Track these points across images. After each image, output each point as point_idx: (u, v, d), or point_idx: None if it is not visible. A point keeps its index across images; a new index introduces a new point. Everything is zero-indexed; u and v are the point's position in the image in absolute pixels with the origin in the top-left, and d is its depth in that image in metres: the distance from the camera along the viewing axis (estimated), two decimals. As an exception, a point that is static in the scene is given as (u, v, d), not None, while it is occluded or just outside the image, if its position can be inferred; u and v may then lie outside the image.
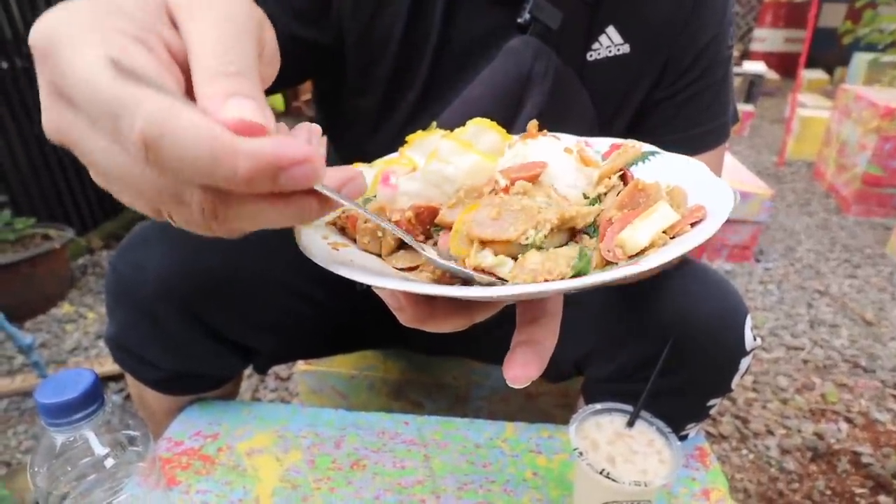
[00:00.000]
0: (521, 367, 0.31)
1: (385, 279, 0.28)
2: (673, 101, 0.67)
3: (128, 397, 1.53)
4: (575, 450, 0.56)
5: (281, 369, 1.69)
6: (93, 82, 0.20)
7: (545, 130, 0.40)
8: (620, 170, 0.36)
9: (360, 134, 0.71)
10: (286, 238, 0.76)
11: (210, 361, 0.74)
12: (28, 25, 2.22)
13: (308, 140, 0.25)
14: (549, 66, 0.59)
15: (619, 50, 0.63)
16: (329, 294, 0.82)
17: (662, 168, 0.38)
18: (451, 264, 0.30)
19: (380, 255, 0.35)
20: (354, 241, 0.36)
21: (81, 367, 1.56)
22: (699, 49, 0.65)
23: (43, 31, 0.22)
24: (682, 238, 0.30)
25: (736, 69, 5.63)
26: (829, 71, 7.84)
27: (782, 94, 6.84)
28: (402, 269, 0.34)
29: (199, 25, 0.22)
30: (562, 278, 0.28)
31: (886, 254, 2.55)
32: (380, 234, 0.34)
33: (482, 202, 0.32)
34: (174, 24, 0.23)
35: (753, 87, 5.46)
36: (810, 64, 8.19)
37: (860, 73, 6.36)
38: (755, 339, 0.68)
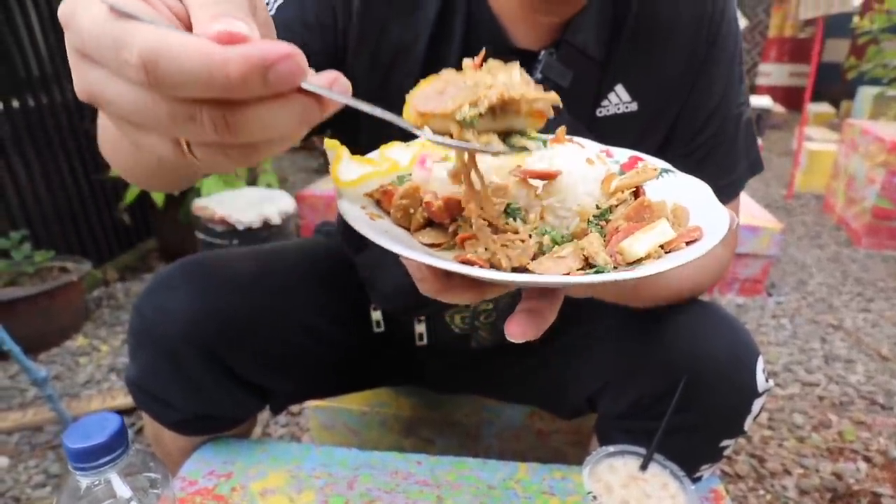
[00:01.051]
0: (521, 328, 0.34)
1: (413, 252, 0.31)
2: (687, 161, 0.68)
3: (139, 431, 1.53)
4: (589, 493, 0.56)
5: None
6: (96, 27, 0.23)
7: (572, 137, 0.42)
8: (635, 186, 0.38)
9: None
10: (304, 279, 0.78)
11: (229, 403, 0.75)
12: (53, 63, 2.30)
13: (330, 84, 0.26)
14: (560, 121, 0.62)
15: (627, 108, 0.65)
16: (345, 333, 0.83)
17: (673, 186, 0.41)
18: (443, 139, 0.31)
19: (409, 230, 0.38)
20: (389, 213, 0.39)
21: (93, 399, 1.55)
22: (710, 110, 0.67)
23: (67, 5, 0.25)
24: (675, 254, 0.33)
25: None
26: (835, 104, 7.90)
27: (789, 127, 6.88)
28: (427, 245, 0.37)
29: None
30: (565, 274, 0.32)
31: (900, 288, 2.53)
32: (411, 210, 0.37)
33: (435, 78, 0.34)
34: None
35: (760, 121, 5.51)
36: (816, 98, 8.27)
37: (866, 107, 6.41)
38: (767, 381, 0.68)
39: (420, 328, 0.82)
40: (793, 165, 3.85)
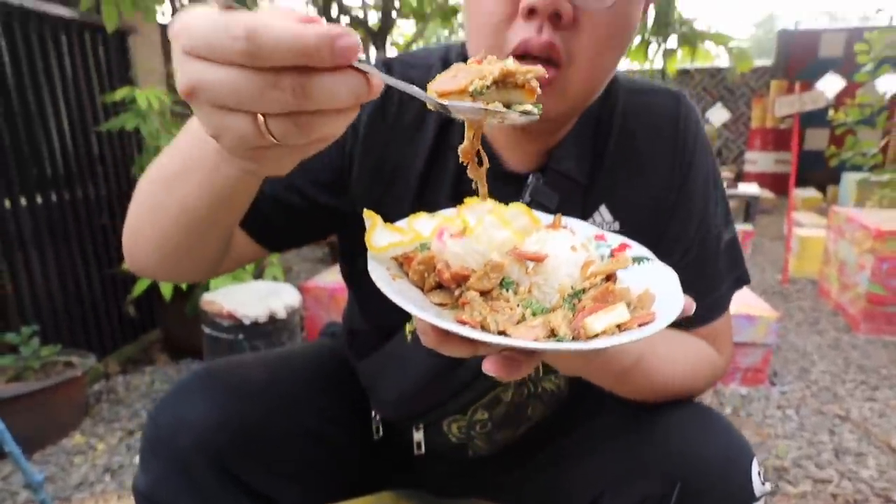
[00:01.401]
0: (497, 368, 0.41)
1: (420, 311, 0.39)
2: None
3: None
4: None
5: None
6: (208, 21, 0.31)
7: (567, 224, 0.51)
8: (608, 273, 0.45)
9: (379, 293, 0.78)
10: (311, 384, 0.81)
11: None
12: (79, 161, 2.44)
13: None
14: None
15: (610, 227, 0.71)
16: (349, 437, 0.84)
17: (646, 273, 0.49)
18: (461, 103, 0.40)
19: (423, 290, 0.45)
20: (408, 275, 0.46)
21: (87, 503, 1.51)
22: (690, 235, 0.72)
23: (177, 20, 0.33)
24: (627, 332, 0.40)
25: (731, 191, 5.90)
26: (822, 189, 8.18)
27: (779, 211, 7.09)
28: (436, 303, 0.44)
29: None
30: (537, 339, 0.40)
31: (903, 375, 2.52)
32: (426, 274, 0.45)
33: (448, 69, 0.43)
34: None
35: (750, 208, 5.68)
36: (803, 183, 8.59)
37: (851, 192, 6.63)
38: (764, 484, 0.68)
39: (418, 436, 0.83)
40: (785, 250, 3.94)
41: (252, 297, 2.07)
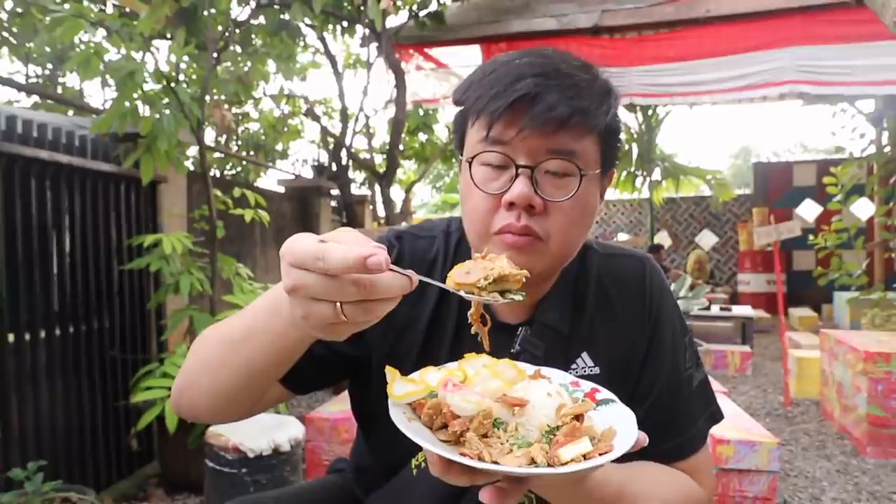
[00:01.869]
0: (490, 496, 0.52)
1: (428, 444, 0.51)
2: (649, 421, 0.78)
3: None
4: None
5: None
6: (310, 247, 0.46)
7: (547, 375, 0.65)
8: (577, 413, 0.58)
9: (389, 432, 0.86)
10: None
11: None
12: (99, 295, 2.59)
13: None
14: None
15: (591, 371, 0.81)
16: None
17: (611, 413, 0.62)
18: (471, 296, 0.58)
19: (431, 429, 0.57)
20: (419, 417, 0.58)
21: None
22: (662, 380, 0.82)
23: (288, 243, 0.48)
24: (590, 460, 0.52)
25: (727, 313, 6.03)
26: (817, 308, 8.30)
27: (777, 330, 7.14)
28: (442, 440, 0.55)
29: (346, 236, 0.50)
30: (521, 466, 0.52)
31: (916, 502, 2.46)
32: (434, 417, 0.57)
33: (463, 265, 0.60)
34: None
35: (746, 329, 5.76)
36: (796, 302, 8.74)
37: (844, 311, 6.75)
38: None
39: None
40: (784, 373, 3.97)
41: (257, 430, 2.10)
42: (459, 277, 0.58)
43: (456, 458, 0.50)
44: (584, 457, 0.52)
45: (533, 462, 0.52)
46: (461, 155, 0.78)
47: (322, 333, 0.52)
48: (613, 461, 0.53)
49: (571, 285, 0.85)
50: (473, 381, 0.59)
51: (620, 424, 0.58)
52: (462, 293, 0.58)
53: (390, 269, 0.48)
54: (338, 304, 0.48)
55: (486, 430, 0.55)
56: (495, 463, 0.52)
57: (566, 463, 0.52)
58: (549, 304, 0.82)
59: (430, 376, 0.61)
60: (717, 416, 0.87)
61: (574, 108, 0.68)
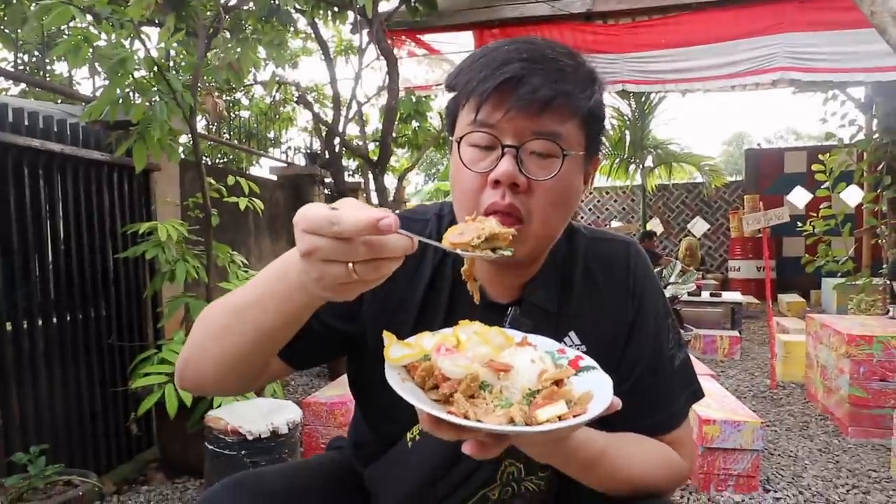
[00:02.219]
0: (472, 448, 0.57)
1: (420, 402, 0.56)
2: (633, 397, 0.82)
3: None
4: None
5: None
6: (321, 214, 0.51)
7: (533, 341, 0.70)
8: (556, 379, 0.62)
9: (384, 406, 0.90)
10: (322, 493, 0.91)
11: None
12: (95, 284, 2.62)
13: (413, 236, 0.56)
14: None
15: (578, 349, 0.85)
16: None
17: (590, 379, 0.66)
18: (465, 252, 0.65)
19: (424, 389, 0.61)
20: (413, 378, 0.63)
21: None
22: (646, 358, 0.86)
23: (301, 211, 0.53)
24: (564, 421, 0.57)
25: (716, 299, 6.11)
26: (805, 294, 8.42)
27: (766, 316, 7.25)
28: (433, 399, 0.60)
29: (353, 203, 0.56)
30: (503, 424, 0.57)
31: (892, 477, 2.54)
32: (427, 378, 0.62)
33: (456, 227, 0.67)
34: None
35: (735, 315, 5.85)
36: (785, 288, 8.85)
37: (832, 296, 6.85)
38: None
39: None
40: (771, 357, 4.05)
41: (255, 414, 2.15)
42: (454, 238, 0.64)
43: (444, 416, 0.55)
44: (560, 418, 0.57)
45: (512, 421, 0.57)
46: (451, 136, 0.82)
47: (333, 294, 0.56)
48: (597, 427, 0.58)
49: (560, 266, 0.88)
50: (465, 347, 0.64)
51: (598, 389, 0.63)
52: (458, 251, 0.64)
53: (397, 232, 0.53)
54: (350, 264, 0.52)
55: (472, 391, 0.60)
56: (479, 421, 0.56)
57: (542, 423, 0.56)
58: (537, 284, 0.86)
59: (425, 341, 0.66)
60: (698, 395, 0.91)
61: (557, 90, 0.72)
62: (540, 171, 0.75)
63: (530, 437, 0.61)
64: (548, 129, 0.74)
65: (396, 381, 0.60)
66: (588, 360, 0.70)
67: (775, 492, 2.43)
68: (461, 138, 0.78)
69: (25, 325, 2.30)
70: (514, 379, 0.62)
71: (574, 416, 0.57)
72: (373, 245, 0.52)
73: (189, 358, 0.76)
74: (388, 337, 0.65)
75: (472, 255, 0.64)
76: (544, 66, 0.73)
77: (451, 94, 0.82)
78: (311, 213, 0.52)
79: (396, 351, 0.63)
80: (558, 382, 0.62)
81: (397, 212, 0.98)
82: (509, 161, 0.73)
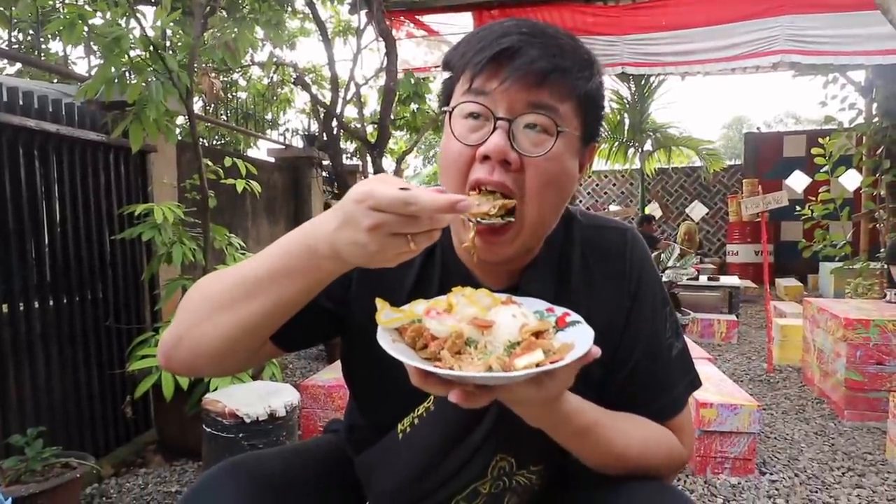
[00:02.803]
0: (458, 397, 0.58)
1: (410, 360, 0.58)
2: (630, 386, 0.84)
3: None
4: None
5: None
6: (394, 195, 0.55)
7: (517, 301, 0.71)
8: (536, 331, 0.65)
9: (374, 392, 0.89)
10: (317, 476, 0.90)
11: None
12: (92, 266, 2.60)
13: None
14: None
15: None
16: None
17: (575, 332, 0.68)
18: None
19: (414, 349, 0.64)
20: (404, 339, 0.65)
21: None
22: (642, 347, 0.85)
23: (364, 185, 0.57)
24: (541, 367, 0.58)
25: (714, 283, 6.13)
26: (803, 278, 8.45)
27: (763, 300, 7.27)
28: (423, 357, 0.62)
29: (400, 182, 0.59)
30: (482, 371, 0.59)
31: (888, 460, 2.57)
32: (416, 338, 0.64)
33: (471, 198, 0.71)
34: None
35: (733, 299, 5.87)
36: (783, 273, 8.88)
37: (829, 281, 6.89)
38: None
39: None
40: (767, 340, 4.07)
41: (253, 397, 2.15)
42: (473, 208, 0.68)
43: (430, 368, 0.57)
44: (538, 365, 0.59)
45: (489, 370, 0.59)
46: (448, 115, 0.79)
47: (385, 262, 0.60)
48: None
49: (556, 254, 0.86)
50: (455, 310, 0.67)
51: (579, 341, 0.64)
52: (478, 220, 0.71)
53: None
54: (409, 235, 0.57)
55: (458, 348, 0.63)
56: (456, 371, 0.59)
57: (520, 370, 0.58)
58: (533, 272, 0.84)
59: (416, 307, 0.68)
60: (695, 383, 0.90)
61: (555, 64, 0.70)
62: (533, 148, 0.72)
63: (513, 388, 0.61)
64: (544, 102, 0.72)
65: (388, 342, 0.62)
66: (575, 316, 0.71)
67: (771, 474, 2.45)
68: (453, 109, 0.75)
69: (22, 308, 2.29)
70: (496, 334, 0.64)
71: (550, 363, 0.59)
72: (435, 220, 0.56)
73: (183, 335, 0.74)
74: (380, 303, 0.67)
75: (487, 222, 0.70)
76: (543, 41, 0.71)
77: (448, 74, 0.79)
78: (381, 192, 0.55)
79: (387, 315, 0.66)
80: (538, 334, 0.64)
81: None
82: (501, 135, 0.71)
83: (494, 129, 0.71)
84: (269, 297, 0.68)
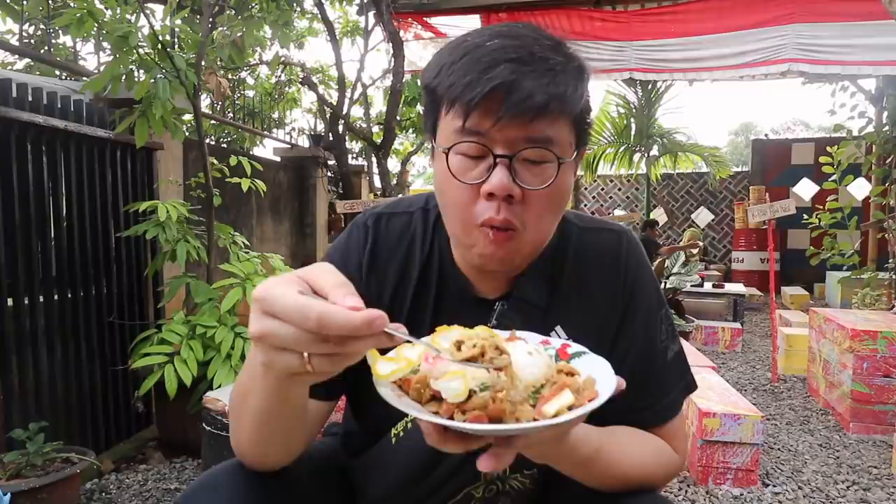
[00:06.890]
0: (486, 461, 0.54)
1: (422, 414, 0.53)
2: (626, 389, 0.84)
3: None
4: None
5: None
6: (289, 300, 0.46)
7: (519, 335, 0.66)
8: (568, 371, 0.60)
9: (369, 400, 0.88)
10: (314, 477, 0.89)
11: None
12: (97, 262, 2.60)
13: (396, 328, 0.50)
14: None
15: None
16: None
17: (586, 364, 0.64)
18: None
19: (420, 402, 0.59)
20: (407, 393, 0.59)
21: None
22: (637, 350, 0.84)
23: (262, 288, 0.48)
24: (577, 409, 0.54)
25: (719, 290, 6.09)
26: (809, 287, 8.39)
27: (769, 308, 7.23)
28: (432, 412, 0.58)
29: (324, 278, 0.50)
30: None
31: (893, 474, 2.54)
32: (422, 390, 0.58)
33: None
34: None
35: (737, 307, 5.83)
36: (789, 281, 8.82)
37: (836, 290, 6.83)
38: None
39: None
40: (773, 350, 4.04)
41: (253, 395, 2.14)
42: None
43: (451, 424, 0.52)
44: (570, 409, 0.54)
45: (518, 421, 0.54)
46: (433, 139, 0.77)
47: (280, 382, 0.55)
48: (590, 421, 0.55)
49: (549, 260, 0.86)
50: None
51: (598, 373, 0.61)
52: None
53: (384, 332, 0.48)
54: (305, 354, 0.47)
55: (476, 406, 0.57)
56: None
57: (552, 416, 0.53)
58: (526, 279, 0.84)
59: (407, 352, 0.60)
60: (691, 387, 0.89)
61: (551, 94, 0.68)
62: (534, 180, 0.72)
63: (538, 435, 0.57)
64: (541, 134, 0.70)
65: (392, 396, 0.56)
66: (576, 347, 0.68)
67: (774, 486, 2.43)
68: (449, 148, 0.73)
69: (26, 302, 2.29)
70: (515, 375, 0.58)
71: (589, 402, 0.55)
72: (345, 342, 0.46)
73: (235, 440, 0.76)
74: (371, 355, 0.58)
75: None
76: (534, 68, 0.68)
77: (429, 90, 0.76)
78: (277, 297, 0.46)
79: (383, 367, 0.58)
80: (570, 373, 0.60)
81: (379, 206, 0.95)
82: (503, 172, 0.69)
83: (494, 165, 0.70)
84: (254, 412, 0.67)
